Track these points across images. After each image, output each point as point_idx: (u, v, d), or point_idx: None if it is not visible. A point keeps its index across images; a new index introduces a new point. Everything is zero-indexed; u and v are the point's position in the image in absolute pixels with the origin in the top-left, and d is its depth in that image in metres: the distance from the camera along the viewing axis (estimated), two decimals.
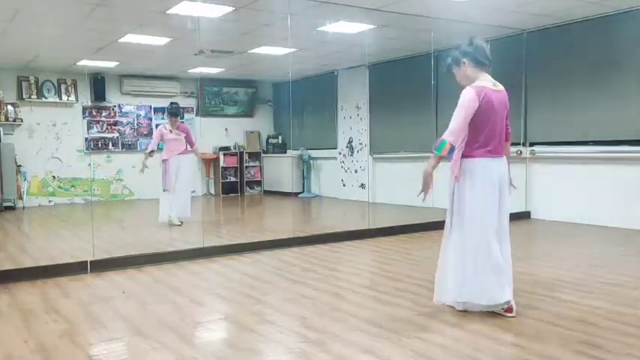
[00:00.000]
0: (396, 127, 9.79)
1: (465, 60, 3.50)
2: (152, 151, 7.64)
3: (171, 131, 7.60)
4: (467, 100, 3.36)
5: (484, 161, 3.43)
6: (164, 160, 7.57)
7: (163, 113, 11.66)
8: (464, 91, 3.41)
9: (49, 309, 3.80)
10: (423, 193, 3.36)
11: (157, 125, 11.55)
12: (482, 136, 3.41)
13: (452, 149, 3.33)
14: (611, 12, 6.65)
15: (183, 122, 7.89)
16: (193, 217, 7.71)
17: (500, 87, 3.53)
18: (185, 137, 7.64)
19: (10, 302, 4.00)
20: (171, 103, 7.92)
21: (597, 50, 6.96)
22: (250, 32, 7.43)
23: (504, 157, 3.57)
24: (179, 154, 7.58)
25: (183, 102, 11.69)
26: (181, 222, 7.55)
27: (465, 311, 3.50)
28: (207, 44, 8.19)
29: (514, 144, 7.75)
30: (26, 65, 9.75)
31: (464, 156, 3.45)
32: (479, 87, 3.40)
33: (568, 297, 3.83)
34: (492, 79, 3.52)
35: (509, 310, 3.43)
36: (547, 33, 7.46)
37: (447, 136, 3.32)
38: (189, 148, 7.75)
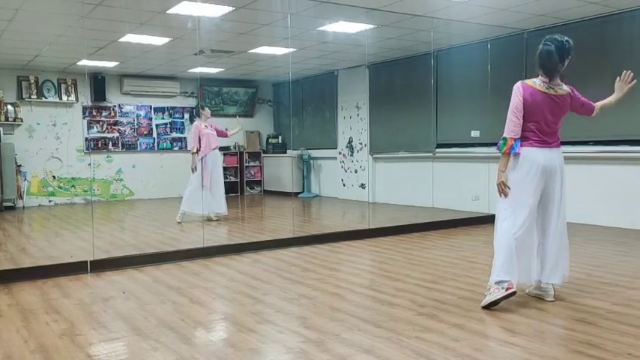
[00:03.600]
0: (396, 127, 9.79)
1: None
2: (198, 150, 7.76)
3: (206, 126, 7.77)
4: (513, 96, 3.64)
5: (529, 150, 3.63)
6: (202, 158, 7.67)
7: (163, 113, 11.72)
8: (514, 87, 3.67)
9: (49, 309, 3.80)
10: (503, 195, 3.64)
11: (156, 125, 11.60)
12: (534, 128, 3.62)
13: (515, 142, 3.61)
14: (611, 12, 6.65)
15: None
16: (193, 217, 7.72)
17: (560, 91, 3.67)
18: (216, 129, 7.90)
19: (10, 302, 4.00)
20: (199, 103, 8.27)
21: (597, 50, 6.96)
22: (250, 32, 7.43)
23: (558, 148, 3.73)
24: (214, 149, 7.77)
25: (183, 102, 11.71)
26: (218, 218, 7.79)
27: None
28: (207, 44, 8.20)
29: None
30: (26, 65, 9.75)
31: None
32: (525, 84, 3.65)
33: (568, 297, 3.82)
34: (550, 82, 3.65)
35: (510, 287, 3.51)
36: (547, 33, 7.41)
37: (505, 133, 3.63)
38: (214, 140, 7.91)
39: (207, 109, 8.13)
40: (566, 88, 3.71)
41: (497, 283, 3.53)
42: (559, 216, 3.70)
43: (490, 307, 3.53)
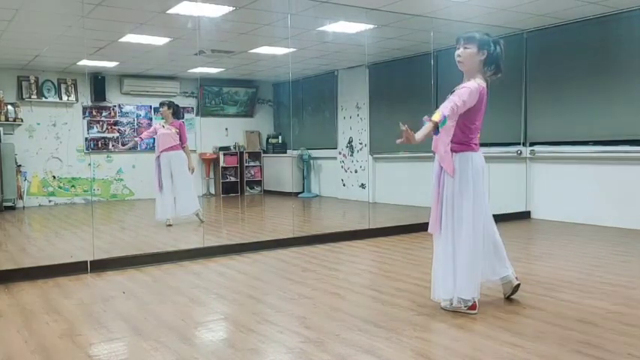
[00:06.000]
0: (397, 127, 9.75)
1: (486, 51, 3.49)
2: (141, 138, 7.85)
3: (163, 126, 7.59)
4: (474, 89, 3.39)
5: (477, 155, 3.54)
6: (156, 156, 7.56)
7: None
8: (471, 83, 3.43)
9: (49, 309, 3.80)
10: (400, 140, 3.27)
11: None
12: (476, 131, 3.52)
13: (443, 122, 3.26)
14: (611, 12, 6.65)
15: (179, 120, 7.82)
16: (193, 217, 7.70)
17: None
18: (178, 133, 7.53)
19: (10, 302, 4.00)
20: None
21: (597, 50, 6.96)
22: (250, 32, 7.43)
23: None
24: (167, 149, 7.46)
25: (183, 102, 11.70)
26: (171, 224, 7.46)
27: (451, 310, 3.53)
28: (207, 44, 8.20)
29: (514, 144, 7.81)
30: (26, 65, 9.75)
31: (463, 150, 3.49)
32: (482, 85, 3.48)
33: (568, 297, 3.83)
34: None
35: (474, 307, 3.48)
36: (547, 33, 7.46)
37: (445, 111, 3.26)
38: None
39: (163, 108, 7.64)
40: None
41: (464, 300, 3.47)
42: (489, 213, 3.66)
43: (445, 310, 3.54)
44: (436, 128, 3.25)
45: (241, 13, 6.40)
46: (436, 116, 3.24)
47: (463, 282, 3.45)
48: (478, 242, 3.51)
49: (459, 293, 3.46)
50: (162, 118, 7.76)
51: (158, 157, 7.53)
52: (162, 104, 7.74)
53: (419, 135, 3.24)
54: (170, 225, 7.46)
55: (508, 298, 3.80)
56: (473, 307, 3.47)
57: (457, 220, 3.49)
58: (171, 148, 7.48)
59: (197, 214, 7.69)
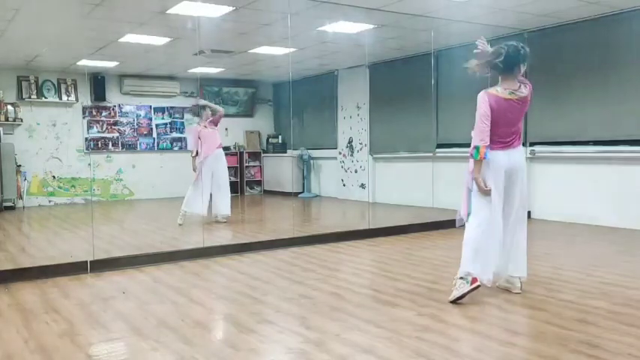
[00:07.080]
0: (397, 127, 9.79)
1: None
2: (197, 152, 7.64)
3: (205, 127, 7.64)
4: (480, 104, 3.72)
5: (494, 153, 3.73)
6: (205, 158, 7.51)
7: (163, 113, 11.72)
8: (478, 96, 3.75)
9: (49, 309, 3.80)
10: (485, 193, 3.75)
11: (156, 125, 11.61)
12: (497, 136, 3.73)
13: (487, 149, 3.69)
14: (611, 12, 6.65)
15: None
16: (193, 217, 7.70)
17: (520, 95, 3.75)
18: (214, 122, 7.66)
19: (10, 302, 4.00)
20: (195, 104, 8.20)
21: (597, 50, 6.95)
22: (250, 32, 7.43)
23: (518, 148, 3.89)
24: (217, 148, 7.60)
25: (183, 102, 11.70)
26: (225, 220, 7.68)
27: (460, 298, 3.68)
28: (207, 44, 8.20)
29: None
30: (26, 65, 9.75)
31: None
32: (489, 93, 3.72)
33: (568, 297, 3.83)
34: (511, 86, 3.75)
35: (474, 281, 3.64)
36: (547, 33, 7.46)
37: (475, 141, 3.68)
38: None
39: (207, 110, 7.77)
40: (525, 90, 3.78)
41: (462, 278, 3.66)
42: (517, 212, 3.91)
43: (456, 301, 3.65)
44: (482, 159, 3.70)
45: (241, 13, 6.40)
46: (478, 155, 3.69)
47: (462, 258, 3.69)
48: (489, 230, 3.73)
49: (459, 270, 3.68)
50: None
51: (206, 157, 7.50)
52: (204, 107, 7.86)
53: (476, 174, 3.74)
54: (181, 224, 7.45)
55: (502, 289, 3.94)
56: (474, 281, 3.61)
57: (477, 210, 3.79)
58: (219, 147, 7.66)
59: (224, 218, 7.81)
